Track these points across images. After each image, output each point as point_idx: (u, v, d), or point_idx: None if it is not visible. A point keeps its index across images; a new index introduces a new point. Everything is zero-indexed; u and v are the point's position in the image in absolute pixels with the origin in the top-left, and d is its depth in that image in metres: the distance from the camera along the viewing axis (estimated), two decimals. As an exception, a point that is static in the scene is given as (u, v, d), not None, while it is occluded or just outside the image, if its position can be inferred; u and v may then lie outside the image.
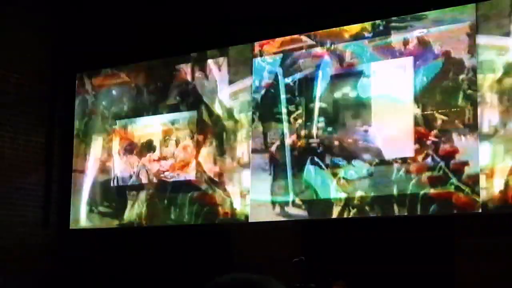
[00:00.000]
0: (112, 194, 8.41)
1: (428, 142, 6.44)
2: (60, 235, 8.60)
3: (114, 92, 8.63)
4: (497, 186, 6.11)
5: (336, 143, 6.94)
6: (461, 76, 6.38)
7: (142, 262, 8.08)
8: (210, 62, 7.93)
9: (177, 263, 7.83)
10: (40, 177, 8.54)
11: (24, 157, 8.41)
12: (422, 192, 6.39)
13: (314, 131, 7.09)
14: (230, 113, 7.70)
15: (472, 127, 6.26)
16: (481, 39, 6.35)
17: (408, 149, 6.53)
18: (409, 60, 6.66)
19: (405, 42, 6.71)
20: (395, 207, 6.51)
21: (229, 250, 7.56)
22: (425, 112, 6.50)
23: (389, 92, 6.71)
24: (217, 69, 7.87)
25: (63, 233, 8.60)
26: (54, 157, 8.68)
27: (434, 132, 6.44)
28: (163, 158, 8.12)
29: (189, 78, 8.08)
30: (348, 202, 6.74)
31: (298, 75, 7.28)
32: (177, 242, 7.91)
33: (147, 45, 8.25)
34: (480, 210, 6.15)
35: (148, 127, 8.30)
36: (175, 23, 8.05)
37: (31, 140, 8.49)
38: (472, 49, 6.36)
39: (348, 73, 6.99)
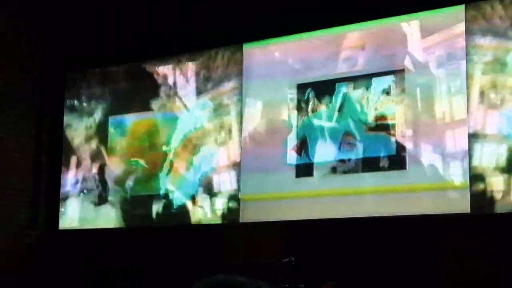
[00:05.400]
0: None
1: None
2: (48, 236, 8.56)
3: (104, 92, 8.61)
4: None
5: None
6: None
7: (132, 263, 8.05)
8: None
9: (167, 264, 7.80)
10: (29, 177, 8.50)
11: (12, 158, 8.36)
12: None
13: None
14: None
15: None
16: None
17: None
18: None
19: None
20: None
21: (219, 251, 7.55)
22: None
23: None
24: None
25: (52, 234, 8.55)
26: (43, 157, 8.64)
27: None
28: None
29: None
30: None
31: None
32: (167, 242, 7.89)
33: (138, 45, 8.23)
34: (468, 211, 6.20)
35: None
36: (166, 23, 8.04)
37: (19, 140, 8.44)
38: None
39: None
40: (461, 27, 6.45)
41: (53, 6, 8.71)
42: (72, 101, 8.80)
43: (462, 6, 6.48)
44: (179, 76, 8.06)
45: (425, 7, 6.64)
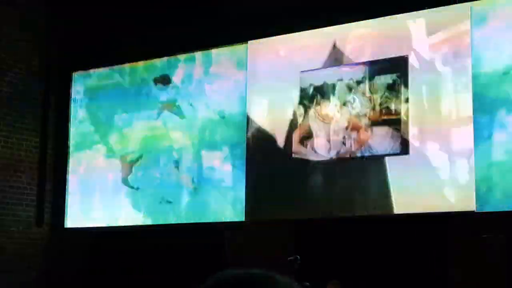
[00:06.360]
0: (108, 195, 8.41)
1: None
2: (53, 233, 8.58)
3: (109, 92, 8.61)
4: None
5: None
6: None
7: (137, 262, 8.05)
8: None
9: (172, 263, 7.81)
10: (34, 176, 8.51)
11: (18, 156, 8.38)
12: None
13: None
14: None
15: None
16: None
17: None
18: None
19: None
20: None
21: (223, 250, 7.55)
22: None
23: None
24: None
25: (57, 232, 8.57)
26: (48, 155, 8.65)
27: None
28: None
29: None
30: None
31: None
32: (172, 241, 7.88)
33: (141, 44, 8.23)
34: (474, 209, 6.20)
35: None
36: (169, 22, 8.04)
37: (25, 138, 8.46)
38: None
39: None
40: (466, 24, 6.44)
41: (59, 6, 8.72)
42: (78, 99, 8.82)
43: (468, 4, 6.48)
44: (184, 74, 8.07)
45: (431, 5, 6.63)
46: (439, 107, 6.49)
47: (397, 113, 6.67)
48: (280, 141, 7.29)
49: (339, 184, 6.93)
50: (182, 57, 8.10)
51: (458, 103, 6.39)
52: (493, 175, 6.16)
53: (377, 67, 6.86)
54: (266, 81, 7.45)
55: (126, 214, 8.20)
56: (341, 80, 7.03)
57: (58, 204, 8.61)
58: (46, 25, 8.71)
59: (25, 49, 8.53)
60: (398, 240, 6.59)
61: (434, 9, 6.63)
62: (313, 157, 7.07)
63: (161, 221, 7.97)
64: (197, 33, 7.84)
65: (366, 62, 6.92)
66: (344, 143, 6.93)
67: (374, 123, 6.79)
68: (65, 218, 8.58)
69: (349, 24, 7.04)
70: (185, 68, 8.08)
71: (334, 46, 7.10)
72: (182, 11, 7.97)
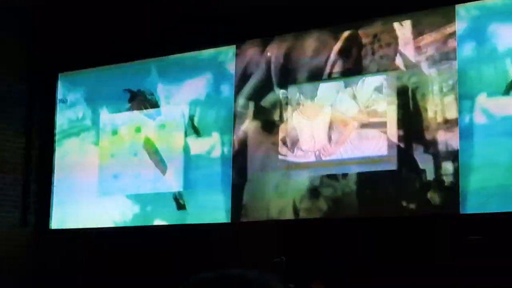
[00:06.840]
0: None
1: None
2: (38, 235, 8.53)
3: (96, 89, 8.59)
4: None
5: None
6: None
7: (123, 263, 8.02)
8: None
9: (159, 264, 7.78)
10: (18, 177, 8.47)
11: (2, 157, 8.33)
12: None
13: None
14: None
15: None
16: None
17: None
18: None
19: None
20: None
21: (209, 251, 7.54)
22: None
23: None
24: None
25: (42, 234, 8.53)
26: (33, 157, 8.61)
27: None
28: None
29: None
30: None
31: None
32: (159, 242, 7.86)
33: (128, 45, 8.21)
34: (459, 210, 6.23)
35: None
36: (158, 22, 8.03)
37: (9, 140, 8.42)
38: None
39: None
40: (453, 27, 6.47)
41: (43, 7, 8.67)
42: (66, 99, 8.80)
43: (454, 6, 6.51)
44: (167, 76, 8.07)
45: (417, 7, 6.65)
46: (425, 109, 6.51)
47: (384, 115, 6.69)
48: (267, 142, 7.30)
49: (326, 184, 6.93)
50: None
51: (444, 105, 6.42)
52: (478, 178, 6.18)
53: (364, 69, 6.88)
54: (253, 81, 7.46)
55: (112, 214, 8.18)
56: (328, 81, 7.05)
57: (43, 205, 8.58)
58: (31, 25, 8.66)
59: (10, 49, 8.48)
60: (384, 242, 6.61)
61: (421, 11, 6.66)
62: (298, 159, 7.08)
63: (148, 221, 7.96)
64: (186, 34, 7.83)
65: (353, 64, 6.93)
66: (330, 145, 6.95)
67: (361, 125, 6.81)
68: (50, 219, 8.55)
69: (337, 26, 7.06)
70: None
71: (320, 48, 7.12)
72: (170, 12, 7.95)
